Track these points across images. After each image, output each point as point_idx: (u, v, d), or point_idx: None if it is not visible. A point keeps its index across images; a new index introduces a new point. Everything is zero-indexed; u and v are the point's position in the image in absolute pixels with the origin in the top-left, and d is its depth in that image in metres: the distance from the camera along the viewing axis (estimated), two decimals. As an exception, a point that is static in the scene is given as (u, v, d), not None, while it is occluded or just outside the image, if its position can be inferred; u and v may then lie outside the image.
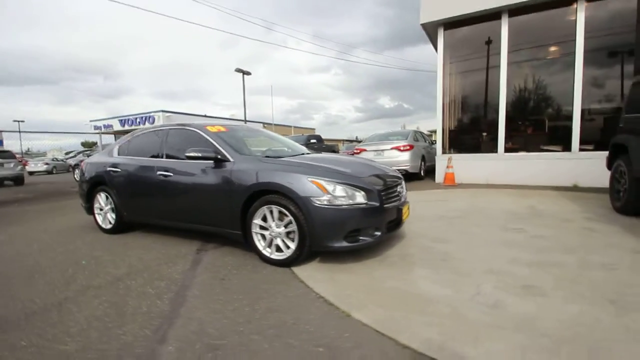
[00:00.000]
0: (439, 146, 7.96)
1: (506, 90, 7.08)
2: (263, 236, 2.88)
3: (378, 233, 2.71)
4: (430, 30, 7.80)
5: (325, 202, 2.55)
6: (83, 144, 33.23)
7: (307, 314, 2.00)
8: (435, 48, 8.56)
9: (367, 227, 2.65)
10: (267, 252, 2.86)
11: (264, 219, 2.85)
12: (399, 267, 2.71)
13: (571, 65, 6.44)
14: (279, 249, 2.81)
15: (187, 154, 3.10)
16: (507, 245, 3.18)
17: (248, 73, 24.38)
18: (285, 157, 3.28)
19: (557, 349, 1.60)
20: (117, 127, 30.38)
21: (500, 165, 7.20)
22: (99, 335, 1.84)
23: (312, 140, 15.52)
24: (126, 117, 30.37)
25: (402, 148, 7.87)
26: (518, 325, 1.82)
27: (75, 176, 12.36)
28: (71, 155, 25.62)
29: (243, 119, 24.51)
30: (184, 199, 3.35)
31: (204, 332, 1.85)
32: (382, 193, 2.77)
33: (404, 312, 2.00)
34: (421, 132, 9.98)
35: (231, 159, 3.08)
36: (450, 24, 7.43)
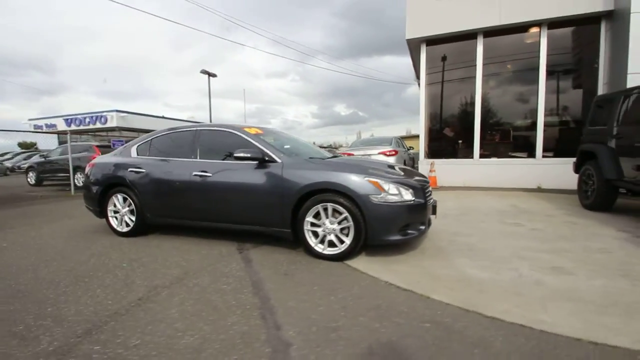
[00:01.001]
0: (421, 152, 8.60)
1: (481, 102, 7.92)
2: (314, 233, 3.04)
3: (423, 227, 3.02)
4: (413, 45, 8.45)
5: (382, 200, 2.80)
6: (20, 145, 29.67)
7: (393, 298, 2.23)
8: (415, 62, 9.27)
9: (415, 222, 2.95)
10: (319, 247, 3.02)
11: (315, 216, 3.01)
12: (440, 257, 3.04)
13: (536, 81, 7.43)
14: (331, 245, 2.99)
15: (237, 155, 3.16)
16: (515, 237, 3.67)
17: (214, 75, 23.75)
18: (326, 159, 3.47)
19: (604, 311, 2.01)
20: (62, 126, 27.61)
21: (476, 170, 8.00)
22: (210, 328, 1.89)
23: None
24: (73, 117, 27.74)
25: (388, 153, 8.37)
26: (565, 296, 2.22)
27: (29, 179, 11.11)
28: (7, 157, 22.77)
29: (198, 121, 23.73)
30: (225, 200, 3.38)
31: (310, 317, 1.99)
32: (425, 191, 3.09)
33: (470, 292, 2.31)
34: (399, 139, 10.63)
35: (278, 160, 3.20)
36: (432, 40, 8.14)
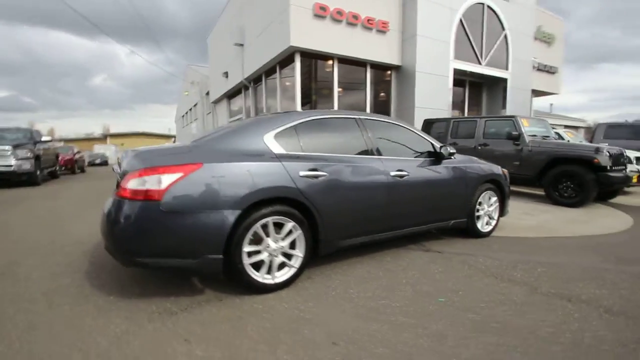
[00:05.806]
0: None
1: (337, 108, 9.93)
2: (478, 217, 3.67)
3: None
4: (289, 52, 9.05)
5: (507, 183, 4.00)
6: None
7: (603, 240, 3.60)
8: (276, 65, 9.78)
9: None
10: (483, 229, 3.70)
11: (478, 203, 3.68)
12: (535, 225, 4.61)
13: (364, 101, 10.45)
14: (487, 224, 3.78)
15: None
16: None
17: None
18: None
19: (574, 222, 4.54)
20: None
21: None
22: None
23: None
24: None
25: None
26: (566, 220, 4.58)
27: None
28: None
29: None
30: (421, 200, 3.12)
31: None
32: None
33: (561, 228, 4.14)
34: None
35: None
36: (305, 53, 9.12)
